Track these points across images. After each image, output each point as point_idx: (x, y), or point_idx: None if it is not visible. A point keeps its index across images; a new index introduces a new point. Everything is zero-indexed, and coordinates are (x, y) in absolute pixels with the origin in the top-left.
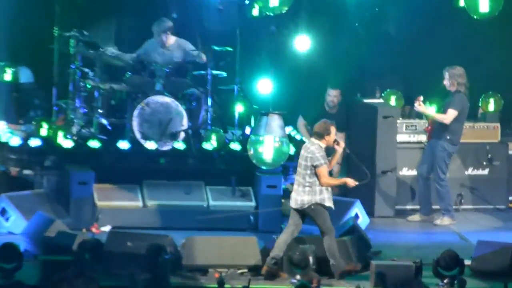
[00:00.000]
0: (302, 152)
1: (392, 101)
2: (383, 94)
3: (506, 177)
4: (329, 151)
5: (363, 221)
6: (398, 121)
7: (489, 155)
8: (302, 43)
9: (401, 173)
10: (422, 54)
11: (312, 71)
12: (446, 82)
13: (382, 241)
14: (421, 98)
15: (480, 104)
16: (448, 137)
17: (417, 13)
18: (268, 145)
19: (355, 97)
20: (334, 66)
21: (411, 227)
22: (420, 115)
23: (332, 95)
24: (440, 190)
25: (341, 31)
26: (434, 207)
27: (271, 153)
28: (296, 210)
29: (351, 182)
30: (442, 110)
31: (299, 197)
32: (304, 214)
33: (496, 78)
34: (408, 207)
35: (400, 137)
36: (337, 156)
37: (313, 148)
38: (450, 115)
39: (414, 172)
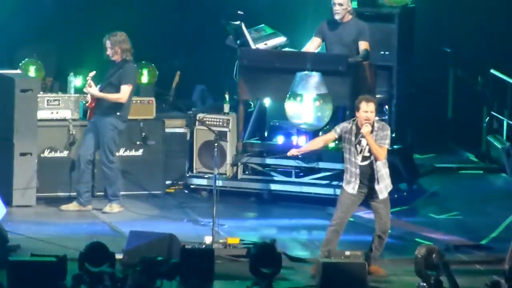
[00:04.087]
0: None
1: (32, 72)
2: (20, 64)
3: (163, 158)
4: None
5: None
6: (38, 95)
7: (144, 134)
8: None
9: (43, 155)
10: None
11: None
12: (109, 51)
13: (23, 234)
14: (93, 74)
15: None
16: (118, 114)
17: None
18: None
19: None
20: None
21: (57, 217)
22: (64, 89)
23: None
24: (109, 174)
25: None
26: (99, 193)
27: None
28: None
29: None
30: (107, 83)
31: None
32: None
33: (149, 46)
34: (53, 194)
35: (41, 114)
36: (367, 139)
37: (351, 119)
38: (126, 92)
39: (58, 155)
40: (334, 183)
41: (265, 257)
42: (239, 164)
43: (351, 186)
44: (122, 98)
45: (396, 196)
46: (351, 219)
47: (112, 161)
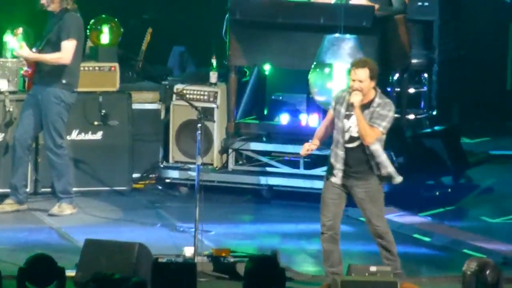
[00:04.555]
0: None
1: None
2: None
3: (129, 144)
4: None
5: None
6: None
7: (103, 112)
8: None
9: None
10: None
11: None
12: (43, 0)
13: None
14: (20, 31)
15: (88, 34)
16: (63, 82)
17: None
18: None
19: None
20: None
21: None
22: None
23: None
24: (57, 163)
25: None
26: (45, 189)
27: None
28: None
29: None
30: (46, 42)
31: None
32: None
33: None
34: None
35: None
36: (355, 112)
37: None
38: (68, 50)
39: None
40: None
41: (263, 274)
42: (230, 151)
43: (334, 173)
44: (63, 58)
45: (438, 193)
46: None
47: (60, 146)
